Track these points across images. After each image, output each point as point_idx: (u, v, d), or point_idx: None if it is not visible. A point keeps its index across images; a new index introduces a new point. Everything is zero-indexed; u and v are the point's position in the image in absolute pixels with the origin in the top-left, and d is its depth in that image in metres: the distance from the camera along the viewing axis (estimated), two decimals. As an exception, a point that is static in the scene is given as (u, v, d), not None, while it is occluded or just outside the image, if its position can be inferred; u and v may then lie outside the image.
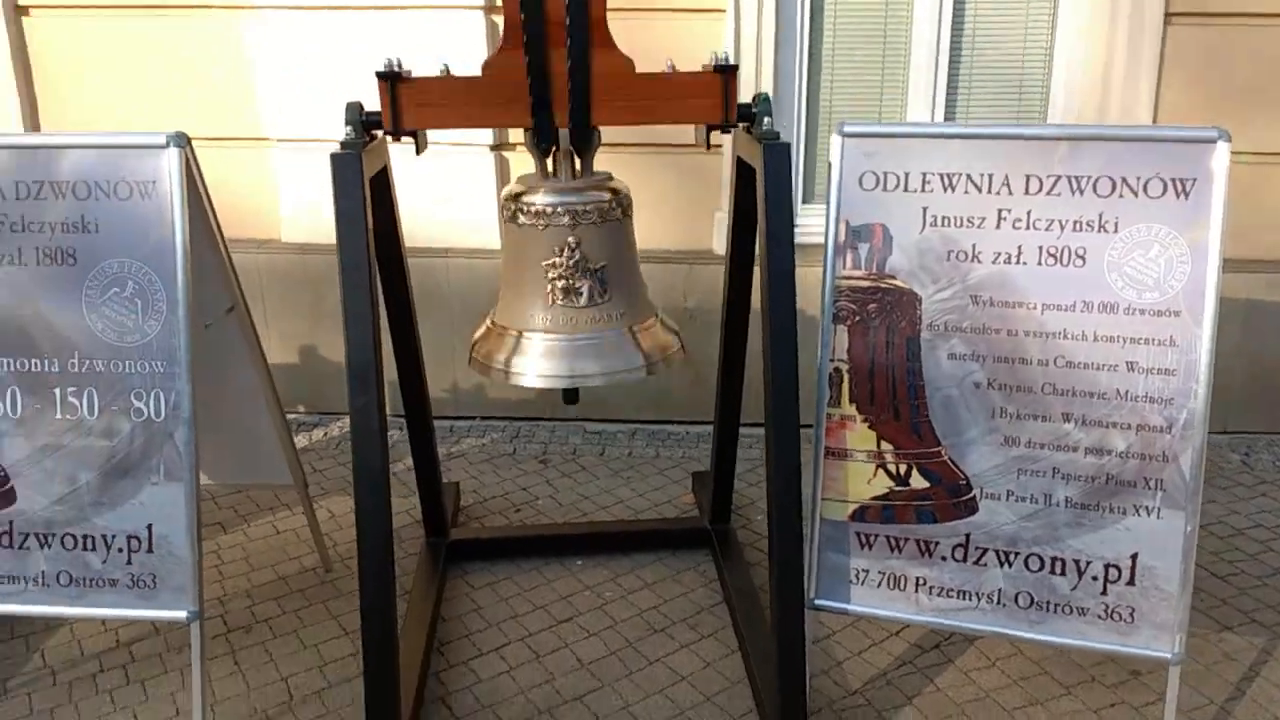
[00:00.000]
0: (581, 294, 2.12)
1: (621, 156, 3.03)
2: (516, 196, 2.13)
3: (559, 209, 2.09)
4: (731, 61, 2.02)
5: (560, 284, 2.11)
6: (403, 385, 2.65)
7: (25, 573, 2.17)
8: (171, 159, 2.08)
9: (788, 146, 2.01)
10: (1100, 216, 1.97)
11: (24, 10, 3.52)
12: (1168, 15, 3.37)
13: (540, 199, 2.10)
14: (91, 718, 2.24)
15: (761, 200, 2.01)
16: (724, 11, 3.49)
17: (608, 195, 2.13)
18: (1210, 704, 2.26)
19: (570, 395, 2.28)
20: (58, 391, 2.12)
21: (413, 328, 2.58)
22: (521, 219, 2.12)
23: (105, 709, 2.26)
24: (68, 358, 2.12)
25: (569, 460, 3.46)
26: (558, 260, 2.11)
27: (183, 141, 2.09)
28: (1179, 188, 1.93)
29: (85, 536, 2.16)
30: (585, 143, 2.08)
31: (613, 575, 2.77)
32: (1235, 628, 2.54)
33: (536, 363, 2.14)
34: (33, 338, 2.12)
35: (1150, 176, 1.94)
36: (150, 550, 2.15)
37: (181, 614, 2.14)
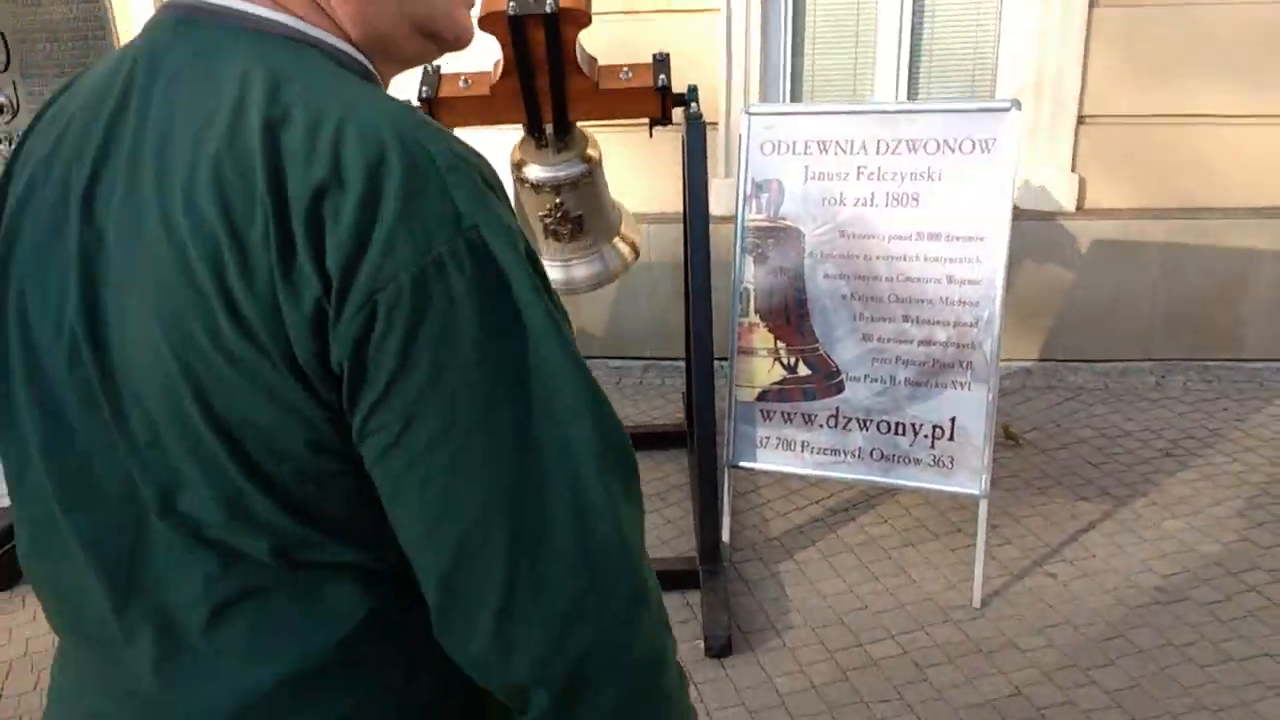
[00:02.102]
0: (564, 235, 2.92)
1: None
2: (519, 165, 2.91)
3: (547, 185, 2.87)
4: (663, 54, 2.77)
5: (552, 228, 2.91)
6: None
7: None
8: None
9: (704, 125, 2.76)
10: (929, 169, 2.66)
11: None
12: (1092, 2, 3.97)
13: (534, 173, 2.87)
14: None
15: (685, 163, 2.77)
16: (719, 11, 4.22)
17: (582, 167, 2.90)
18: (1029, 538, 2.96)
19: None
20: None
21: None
22: (525, 183, 2.91)
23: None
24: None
25: (589, 385, 4.28)
26: (547, 215, 2.91)
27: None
28: (983, 146, 2.61)
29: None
30: (564, 133, 2.86)
31: (608, 463, 3.58)
32: (1089, 498, 3.22)
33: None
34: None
35: (963, 138, 2.62)
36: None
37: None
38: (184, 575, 0.73)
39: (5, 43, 4.65)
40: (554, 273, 2.97)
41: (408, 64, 0.83)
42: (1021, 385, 4.15)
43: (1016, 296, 4.23)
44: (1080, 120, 4.20)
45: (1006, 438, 3.65)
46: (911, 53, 4.29)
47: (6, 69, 4.72)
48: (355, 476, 0.70)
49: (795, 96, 4.43)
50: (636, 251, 3.11)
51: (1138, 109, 4.09)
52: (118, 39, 4.59)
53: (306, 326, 0.64)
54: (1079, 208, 4.30)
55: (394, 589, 0.75)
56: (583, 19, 2.53)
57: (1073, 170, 4.27)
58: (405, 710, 0.77)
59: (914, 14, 4.22)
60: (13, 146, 0.82)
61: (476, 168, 0.69)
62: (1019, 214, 4.17)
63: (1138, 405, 3.92)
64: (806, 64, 4.40)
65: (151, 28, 0.75)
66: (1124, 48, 4.01)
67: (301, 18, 0.73)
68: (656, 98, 2.74)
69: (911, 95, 4.36)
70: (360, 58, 0.76)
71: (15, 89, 4.72)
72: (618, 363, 4.52)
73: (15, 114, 4.75)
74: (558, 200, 2.89)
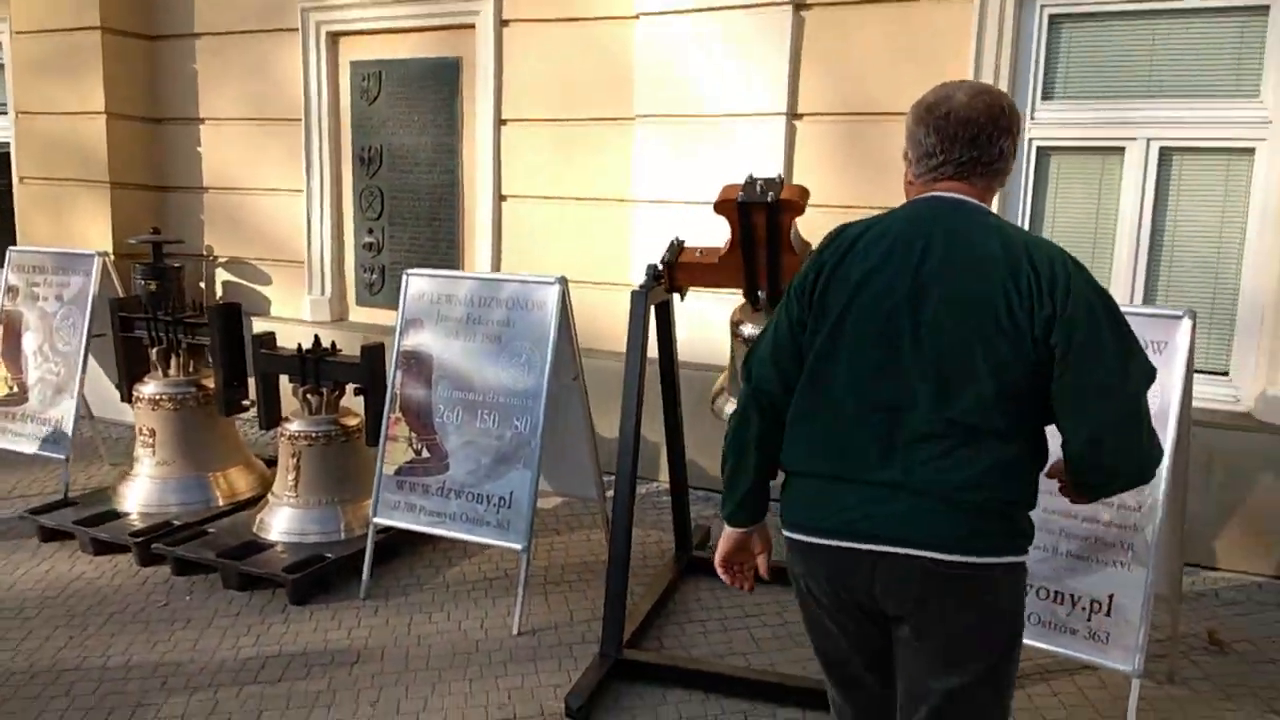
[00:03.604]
0: None
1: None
2: (737, 323, 3.49)
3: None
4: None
5: None
6: (669, 447, 4.07)
7: (445, 509, 3.82)
8: (554, 291, 3.77)
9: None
10: (1104, 360, 2.92)
11: (504, 198, 5.67)
12: (1340, 227, 4.01)
13: (747, 330, 3.43)
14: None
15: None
16: (958, 214, 4.68)
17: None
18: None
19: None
20: (478, 411, 3.82)
21: (677, 408, 4.01)
22: (739, 337, 3.47)
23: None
24: (485, 393, 3.82)
25: (796, 531, 4.63)
26: None
27: (563, 282, 3.77)
28: (1156, 348, 2.84)
29: (491, 494, 3.79)
30: (777, 301, 3.41)
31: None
32: (1278, 714, 3.11)
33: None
34: (472, 380, 3.85)
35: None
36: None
37: (518, 546, 3.66)
38: (927, 438, 1.72)
39: (383, 198, 6.01)
40: None
41: None
42: (1246, 599, 4.01)
43: (1253, 510, 4.14)
44: (1327, 340, 4.16)
45: (1211, 642, 3.58)
46: (1149, 262, 4.48)
47: (380, 217, 6.08)
48: (1033, 394, 1.72)
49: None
50: None
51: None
52: (462, 203, 5.80)
53: (1044, 324, 1.68)
54: (1329, 427, 4.19)
55: (1028, 446, 1.76)
56: (797, 209, 3.12)
57: (1320, 389, 4.20)
58: (1016, 510, 1.77)
59: (1153, 222, 4.44)
60: (837, 255, 1.85)
61: (1089, 270, 1.74)
62: (1259, 426, 4.16)
63: (1378, 641, 3.67)
64: (1041, 264, 4.69)
65: (929, 204, 1.84)
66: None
67: (987, 205, 1.86)
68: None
69: (1148, 301, 4.52)
70: None
71: (383, 232, 6.06)
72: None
73: (380, 251, 6.08)
74: None
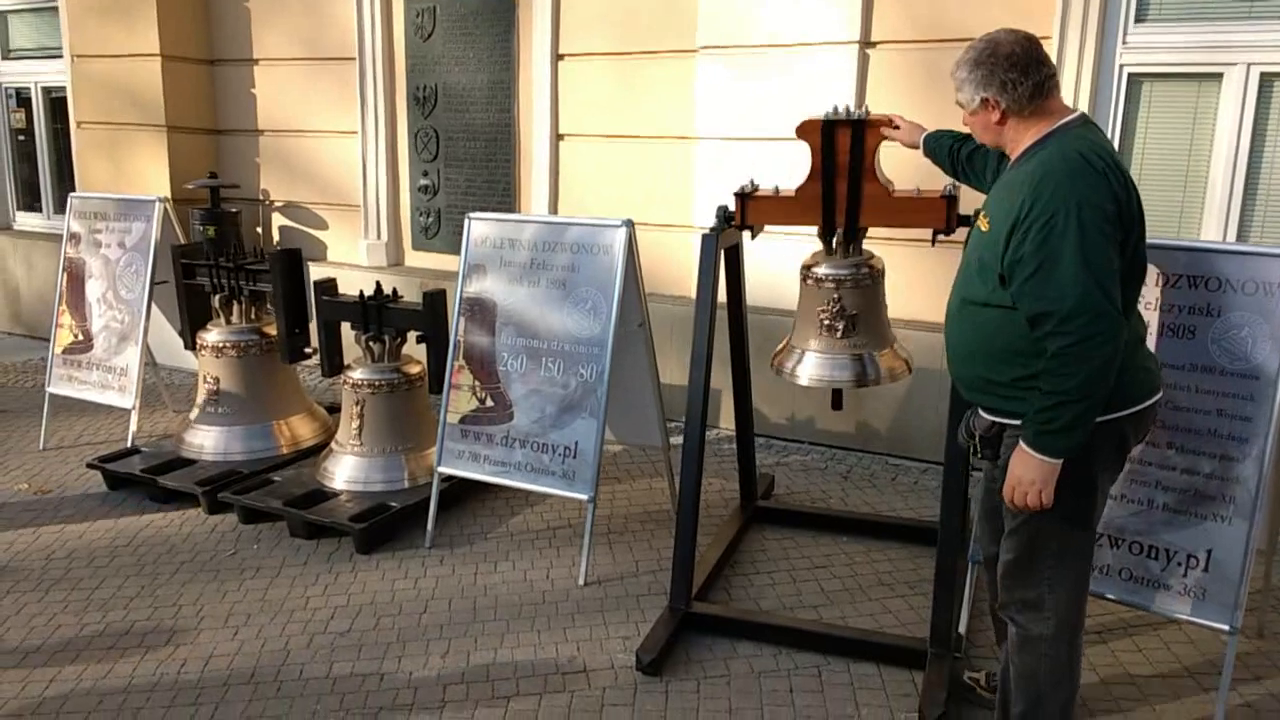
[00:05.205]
0: (838, 330, 3.29)
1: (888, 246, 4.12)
2: (808, 266, 3.36)
3: (829, 278, 3.28)
4: (955, 184, 3.08)
5: (826, 322, 3.30)
6: (735, 394, 3.96)
7: (510, 459, 3.78)
8: (621, 234, 3.64)
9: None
10: (1209, 305, 2.73)
11: (561, 137, 5.52)
12: None
13: (820, 270, 3.30)
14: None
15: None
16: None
17: (865, 270, 3.28)
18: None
19: (836, 403, 3.44)
20: (543, 359, 3.74)
21: (745, 353, 3.89)
22: (809, 280, 3.35)
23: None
24: (550, 340, 3.73)
25: (866, 479, 4.53)
26: (824, 310, 3.30)
27: (629, 225, 3.64)
28: (1266, 289, 2.64)
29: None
30: (853, 236, 3.26)
31: (866, 550, 3.81)
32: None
33: (808, 370, 3.33)
34: (537, 327, 3.76)
35: (1247, 279, 2.67)
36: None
37: (584, 496, 3.60)
38: None
39: (439, 139, 5.90)
40: (819, 368, 3.32)
41: None
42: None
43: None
44: None
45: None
46: (1245, 196, 4.21)
47: (435, 159, 5.97)
48: None
49: (1112, 230, 4.47)
50: (909, 367, 3.38)
51: None
52: (519, 142, 5.67)
53: None
54: None
55: None
56: (885, 125, 3.00)
57: None
58: None
59: (1250, 157, 4.16)
60: (1124, 184, 2.11)
61: None
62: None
63: None
64: (1127, 200, 4.44)
65: (1087, 121, 2.23)
66: None
67: None
68: (943, 205, 3.04)
69: (1242, 238, 4.26)
70: None
71: (439, 174, 5.96)
72: (898, 461, 4.72)
73: (435, 194, 5.99)
74: (836, 296, 3.26)
